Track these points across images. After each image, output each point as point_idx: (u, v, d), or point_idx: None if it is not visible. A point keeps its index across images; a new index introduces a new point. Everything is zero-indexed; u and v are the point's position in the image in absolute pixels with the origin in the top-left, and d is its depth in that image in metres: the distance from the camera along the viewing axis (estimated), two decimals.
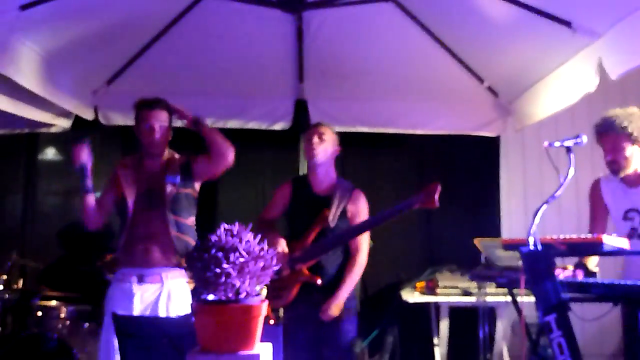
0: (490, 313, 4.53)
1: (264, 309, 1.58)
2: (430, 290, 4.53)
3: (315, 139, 3.22)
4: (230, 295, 1.52)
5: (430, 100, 4.60)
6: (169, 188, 2.92)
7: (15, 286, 4.40)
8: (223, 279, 1.46)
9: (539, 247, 2.58)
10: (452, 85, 4.41)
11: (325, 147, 3.23)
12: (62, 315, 4.17)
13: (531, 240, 2.62)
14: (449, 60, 4.19)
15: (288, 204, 3.34)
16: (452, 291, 4.43)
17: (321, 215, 3.14)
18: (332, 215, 3.15)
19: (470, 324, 4.76)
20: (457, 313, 4.69)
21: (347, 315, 3.15)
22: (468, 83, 4.38)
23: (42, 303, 4.24)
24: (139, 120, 3.04)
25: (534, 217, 2.61)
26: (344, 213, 3.20)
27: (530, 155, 5.04)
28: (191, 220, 3.02)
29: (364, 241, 3.23)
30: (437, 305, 4.65)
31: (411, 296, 4.47)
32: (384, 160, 5.37)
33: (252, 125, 4.65)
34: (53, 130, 4.67)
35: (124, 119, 4.56)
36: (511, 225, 5.03)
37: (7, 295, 4.29)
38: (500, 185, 5.03)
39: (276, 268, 1.58)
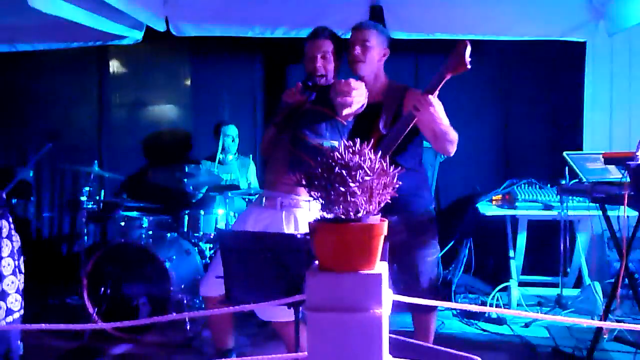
0: (568, 227, 4.43)
1: (385, 227, 1.51)
2: (509, 203, 4.43)
3: (358, 49, 2.84)
4: (351, 213, 1.46)
5: (514, 4, 4.29)
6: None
7: (97, 197, 4.52)
8: (348, 198, 1.39)
9: None
10: None
11: (371, 56, 2.85)
12: (144, 225, 4.29)
13: None
14: None
15: None
16: (532, 205, 4.31)
17: (374, 124, 2.79)
18: (384, 122, 2.78)
19: (548, 237, 4.70)
20: (534, 226, 4.59)
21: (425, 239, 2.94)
22: None
23: (125, 213, 4.38)
24: (304, 53, 2.90)
25: None
26: (399, 115, 2.80)
27: (619, 65, 4.70)
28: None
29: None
30: (513, 219, 4.55)
31: (488, 209, 4.38)
32: None
33: None
34: (125, 42, 4.63)
35: (195, 29, 4.47)
36: (594, 138, 4.79)
37: (90, 206, 4.41)
38: (584, 95, 4.75)
39: (398, 185, 1.50)
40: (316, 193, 1.47)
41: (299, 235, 1.98)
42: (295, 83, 2.78)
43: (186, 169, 4.34)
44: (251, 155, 4.98)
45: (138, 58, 5.40)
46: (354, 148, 1.43)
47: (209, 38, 4.62)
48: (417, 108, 2.57)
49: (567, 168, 3.95)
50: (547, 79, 5.00)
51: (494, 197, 4.58)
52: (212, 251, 4.40)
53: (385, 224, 1.53)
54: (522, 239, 4.56)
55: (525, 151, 5.08)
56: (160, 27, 4.41)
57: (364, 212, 1.48)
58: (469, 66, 2.36)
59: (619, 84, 4.71)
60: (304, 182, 1.50)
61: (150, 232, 4.24)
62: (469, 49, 2.36)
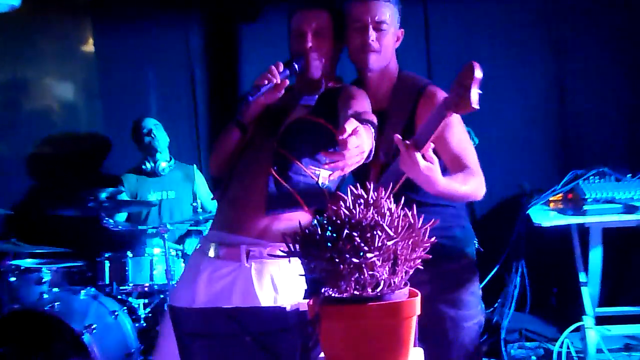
0: None
1: (418, 305, 1.57)
2: (574, 206, 4.49)
3: (373, 34, 2.84)
4: (369, 289, 1.51)
5: None
6: None
7: None
8: (364, 270, 1.44)
9: None
10: None
11: (387, 42, 2.88)
12: (46, 279, 4.29)
13: None
14: None
15: None
16: (608, 207, 4.37)
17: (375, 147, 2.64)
18: (386, 147, 2.78)
19: (633, 252, 4.79)
20: (613, 237, 4.66)
21: None
22: None
23: (15, 263, 4.37)
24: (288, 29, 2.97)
25: None
26: (410, 128, 2.78)
27: None
28: None
29: (469, 150, 2.77)
30: (582, 228, 4.61)
31: (545, 217, 4.43)
32: (490, 11, 5.24)
33: None
34: None
35: None
36: None
37: None
38: None
39: (432, 241, 1.55)
40: (315, 265, 1.51)
41: (287, 308, 2.01)
42: (275, 62, 2.74)
43: (103, 194, 4.35)
44: (195, 165, 5.01)
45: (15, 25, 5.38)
46: (366, 198, 1.47)
47: None
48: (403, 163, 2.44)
49: None
50: (616, 26, 5.08)
51: (551, 199, 4.61)
52: (147, 310, 4.44)
53: (418, 299, 1.58)
54: (596, 257, 4.61)
55: (590, 128, 5.17)
56: None
57: (387, 287, 1.53)
58: (475, 105, 2.12)
59: None
60: (293, 248, 1.53)
61: (57, 290, 4.23)
62: (478, 74, 2.12)
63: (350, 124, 2.15)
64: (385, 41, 2.86)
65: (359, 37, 2.84)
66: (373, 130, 2.44)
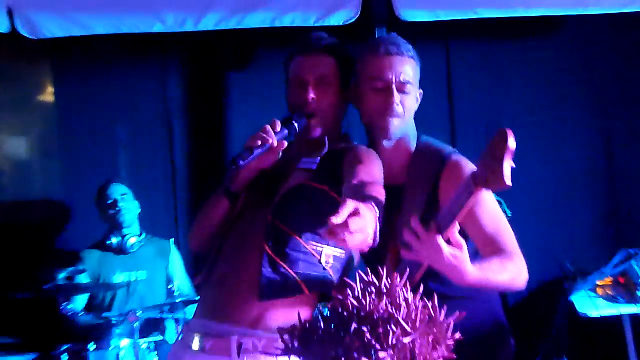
0: None
1: None
2: (626, 292, 4.49)
3: (397, 96, 2.82)
4: None
5: None
6: None
7: None
8: None
9: None
10: None
11: (410, 104, 2.89)
12: None
13: None
14: None
15: None
16: None
17: (390, 226, 2.68)
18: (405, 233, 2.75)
19: None
20: None
21: None
22: None
23: None
24: (285, 76, 3.01)
25: None
26: (432, 206, 2.77)
27: None
28: None
29: (505, 229, 2.73)
30: (637, 318, 4.60)
31: (592, 305, 4.43)
32: (523, 61, 5.30)
33: (289, 20, 4.56)
34: None
35: (62, 26, 4.52)
36: None
37: None
38: None
39: (456, 337, 1.54)
40: None
41: None
42: (272, 119, 2.72)
43: (60, 275, 4.35)
44: (172, 240, 5.03)
45: None
46: (378, 286, 1.47)
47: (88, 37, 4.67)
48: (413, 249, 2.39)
49: None
50: None
51: (599, 283, 4.64)
52: None
53: None
54: None
55: None
56: (1, 27, 4.47)
57: None
58: (508, 182, 2.08)
59: None
60: (290, 345, 1.52)
61: None
62: (512, 144, 2.07)
63: (347, 207, 2.08)
64: (409, 104, 2.86)
65: (380, 99, 2.83)
66: (377, 210, 2.34)
